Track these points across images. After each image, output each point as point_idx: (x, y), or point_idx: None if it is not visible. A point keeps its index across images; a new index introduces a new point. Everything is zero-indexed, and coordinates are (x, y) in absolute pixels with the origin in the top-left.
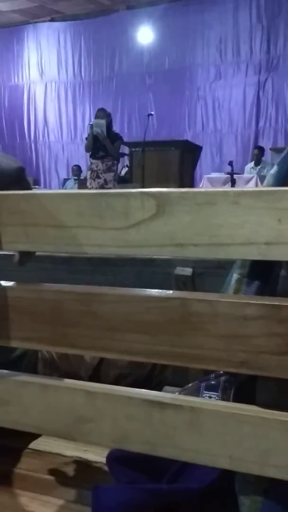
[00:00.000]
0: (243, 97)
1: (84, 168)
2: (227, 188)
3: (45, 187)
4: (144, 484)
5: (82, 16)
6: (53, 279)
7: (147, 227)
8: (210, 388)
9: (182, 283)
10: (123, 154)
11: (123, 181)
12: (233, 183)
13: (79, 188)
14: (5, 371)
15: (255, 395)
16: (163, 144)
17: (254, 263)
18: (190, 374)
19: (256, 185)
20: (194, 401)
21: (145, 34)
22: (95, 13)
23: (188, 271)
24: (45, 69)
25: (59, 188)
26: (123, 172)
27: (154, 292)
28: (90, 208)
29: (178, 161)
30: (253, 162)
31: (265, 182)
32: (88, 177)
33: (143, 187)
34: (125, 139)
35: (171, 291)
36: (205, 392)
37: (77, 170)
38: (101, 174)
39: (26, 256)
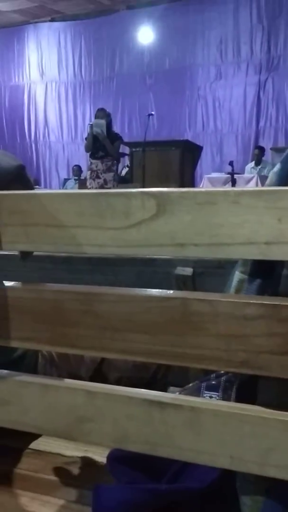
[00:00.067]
0: (243, 97)
1: (84, 168)
2: (228, 188)
3: (45, 187)
4: (144, 484)
5: (82, 16)
6: (53, 279)
7: (147, 227)
8: (210, 388)
9: (182, 283)
10: (123, 154)
11: (123, 181)
12: (234, 183)
13: (80, 188)
14: (5, 371)
15: (257, 395)
16: (164, 144)
17: (255, 261)
18: (191, 374)
19: (257, 185)
20: (194, 401)
21: (145, 34)
22: (96, 13)
23: (188, 271)
24: (46, 69)
25: (60, 188)
26: (124, 172)
27: (155, 292)
28: (91, 208)
29: (178, 161)
30: (253, 162)
31: (268, 180)
32: (88, 177)
33: (143, 187)
34: (126, 139)
35: (171, 291)
36: (206, 392)
37: (78, 170)
38: (101, 174)
39: (26, 252)
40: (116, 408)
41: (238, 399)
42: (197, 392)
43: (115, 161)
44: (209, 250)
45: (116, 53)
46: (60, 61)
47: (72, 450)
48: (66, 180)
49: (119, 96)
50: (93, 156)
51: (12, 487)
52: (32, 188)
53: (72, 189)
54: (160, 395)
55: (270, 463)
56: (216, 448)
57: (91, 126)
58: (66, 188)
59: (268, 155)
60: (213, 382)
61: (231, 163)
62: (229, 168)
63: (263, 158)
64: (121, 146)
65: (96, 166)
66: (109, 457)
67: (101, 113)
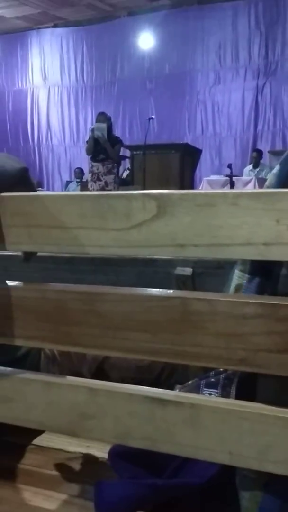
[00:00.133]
0: (241, 101)
1: (86, 170)
2: (226, 190)
3: (48, 189)
4: (145, 479)
5: (84, 23)
6: (56, 279)
7: (148, 228)
8: (210, 386)
9: (182, 283)
10: (124, 157)
11: (124, 184)
12: (232, 185)
13: (82, 190)
14: (9, 368)
15: (256, 393)
16: (164, 147)
17: (254, 260)
18: (190, 372)
19: (255, 187)
20: (194, 398)
21: (146, 40)
22: (97, 19)
23: (188, 271)
24: (48, 74)
25: (62, 190)
26: (125, 174)
27: (155, 291)
28: (92, 210)
29: (178, 164)
30: (251, 165)
31: (268, 181)
32: (89, 179)
33: (144, 189)
34: (127, 143)
35: (171, 291)
36: (205, 389)
37: (80, 172)
38: (102, 176)
39: (30, 254)
40: (118, 405)
41: (238, 396)
42: (196, 389)
43: (115, 164)
44: (209, 251)
45: (117, 58)
46: (63, 66)
47: (74, 446)
48: (68, 182)
49: (120, 100)
50: (94, 159)
51: (16, 482)
52: (35, 191)
53: (74, 191)
54: (160, 392)
55: (268, 458)
56: (216, 444)
57: (92, 129)
58: (68, 190)
59: (266, 158)
60: (212, 380)
61: (229, 166)
62: (227, 171)
63: (261, 161)
64: (122, 149)
65: (97, 169)
66: (110, 453)
67: (102, 117)
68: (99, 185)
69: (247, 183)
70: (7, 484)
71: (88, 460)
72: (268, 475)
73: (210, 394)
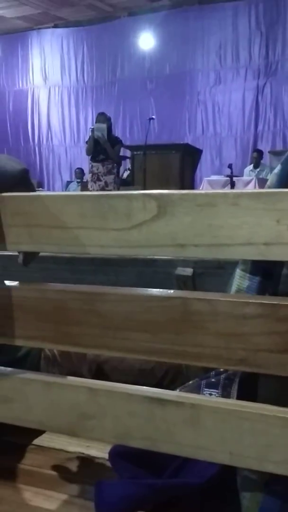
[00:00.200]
0: (242, 101)
1: (87, 171)
2: (227, 190)
3: (48, 189)
4: (145, 479)
5: (84, 23)
6: (56, 279)
7: (148, 228)
8: (210, 386)
9: (182, 283)
10: (124, 157)
11: (125, 184)
12: (233, 185)
13: (82, 190)
14: (9, 369)
15: (257, 393)
16: (164, 147)
17: (256, 259)
18: (191, 372)
19: (255, 187)
20: (194, 398)
21: (146, 40)
22: (98, 19)
23: (188, 271)
24: (49, 74)
25: (62, 190)
26: (125, 174)
27: (155, 291)
28: (93, 210)
29: (178, 164)
30: (252, 165)
31: (269, 181)
32: (89, 179)
33: (144, 189)
34: (127, 143)
35: (172, 291)
36: (206, 389)
37: (80, 172)
38: (102, 176)
39: (30, 256)
40: (118, 405)
41: (239, 397)
42: (197, 390)
43: (115, 164)
44: (209, 251)
45: (118, 58)
46: (63, 67)
47: (74, 446)
48: (69, 182)
49: (121, 100)
50: (94, 159)
51: (16, 482)
52: (35, 191)
53: (74, 191)
54: (160, 392)
55: (268, 458)
56: (216, 444)
57: (92, 130)
58: (69, 191)
59: (266, 158)
60: (213, 380)
61: (230, 166)
62: (228, 171)
63: (262, 161)
64: (123, 149)
65: (97, 169)
66: (110, 453)
67: (101, 117)
68: (99, 185)
69: (247, 183)
70: (7, 484)
71: (88, 460)
72: (269, 475)
73: (210, 394)
